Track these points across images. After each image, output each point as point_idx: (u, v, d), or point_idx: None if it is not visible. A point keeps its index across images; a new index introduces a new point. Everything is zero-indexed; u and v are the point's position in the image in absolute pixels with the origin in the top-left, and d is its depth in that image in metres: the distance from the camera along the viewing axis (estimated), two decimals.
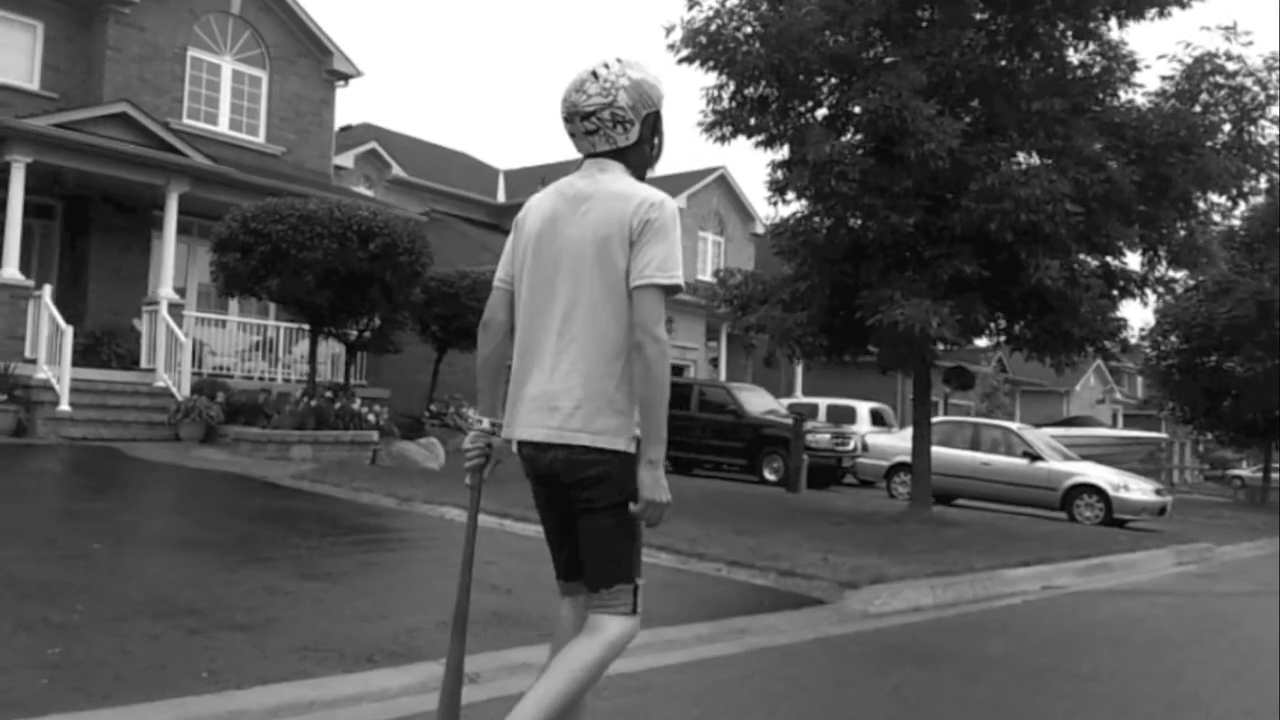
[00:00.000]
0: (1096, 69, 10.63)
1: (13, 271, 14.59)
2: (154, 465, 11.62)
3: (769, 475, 18.79)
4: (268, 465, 12.15)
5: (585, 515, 2.76)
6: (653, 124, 2.88)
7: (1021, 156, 10.31)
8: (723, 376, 29.17)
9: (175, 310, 15.96)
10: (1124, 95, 10.87)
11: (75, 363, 15.47)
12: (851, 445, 19.50)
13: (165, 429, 14.55)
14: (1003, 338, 11.69)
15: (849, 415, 22.63)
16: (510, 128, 72.44)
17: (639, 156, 2.87)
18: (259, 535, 7.80)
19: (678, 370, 26.36)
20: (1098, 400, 43.90)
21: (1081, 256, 10.14)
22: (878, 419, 22.58)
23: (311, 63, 20.53)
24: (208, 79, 18.98)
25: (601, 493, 2.71)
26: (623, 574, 2.75)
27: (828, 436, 19.44)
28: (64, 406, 13.89)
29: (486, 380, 3.01)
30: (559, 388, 2.74)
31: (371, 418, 13.67)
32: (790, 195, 10.78)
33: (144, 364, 15.87)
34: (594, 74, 2.82)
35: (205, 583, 5.84)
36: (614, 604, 2.73)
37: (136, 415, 14.77)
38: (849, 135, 10.42)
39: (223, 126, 19.20)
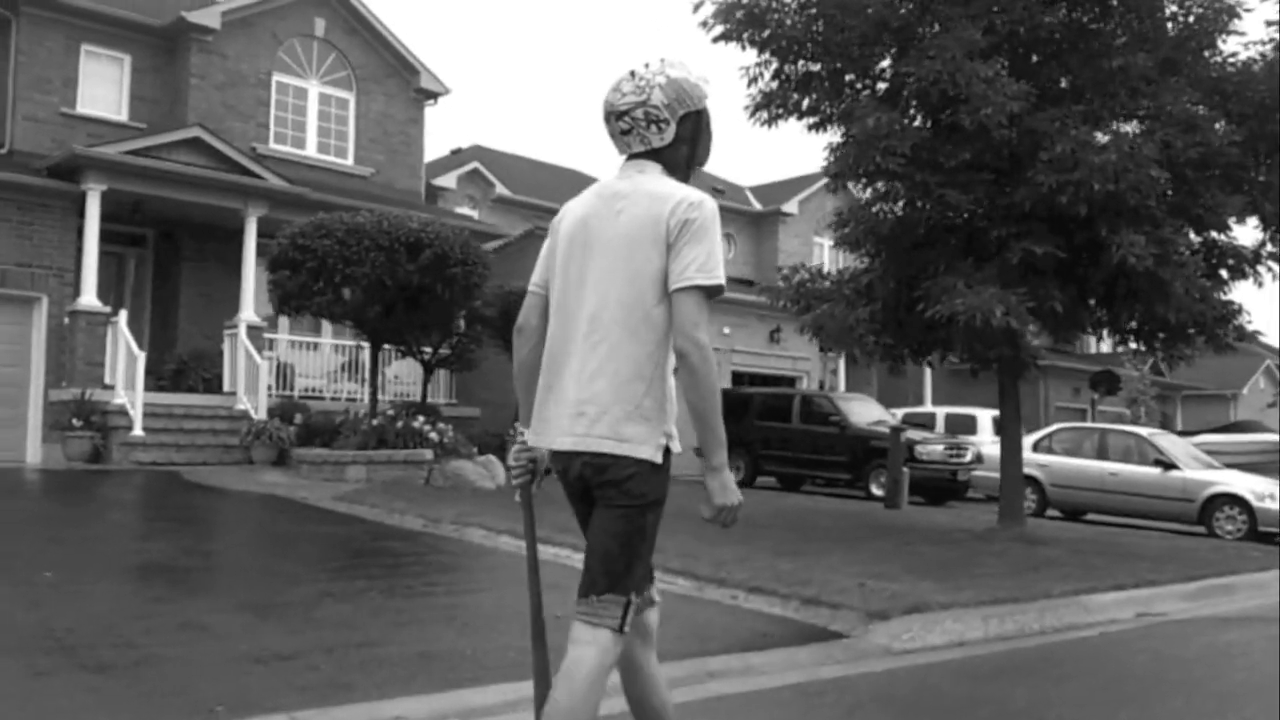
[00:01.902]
0: (1191, 18, 9.18)
1: (90, 299, 14.74)
2: (202, 489, 11.38)
3: (876, 490, 17.50)
4: (320, 487, 11.77)
5: (599, 509, 2.66)
6: (693, 124, 2.77)
7: (1103, 123, 8.93)
8: (842, 387, 27.84)
9: (255, 333, 15.92)
10: (1224, 46, 9.41)
11: (164, 388, 15.68)
12: (969, 457, 18.03)
13: (240, 452, 14.45)
14: (1101, 330, 10.27)
15: (969, 425, 21.04)
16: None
17: (676, 157, 2.76)
18: (233, 562, 7.28)
19: (789, 382, 25.21)
20: (1268, 404, 40.33)
21: (1174, 231, 8.71)
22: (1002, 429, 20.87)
23: (399, 82, 20.43)
24: (294, 103, 19.04)
25: (620, 493, 2.61)
26: (616, 583, 2.62)
27: (940, 448, 18.01)
28: (137, 431, 13.92)
29: (523, 387, 2.90)
30: (586, 393, 2.65)
31: (434, 436, 13.17)
32: (850, 182, 9.71)
33: (226, 387, 15.87)
34: (632, 73, 2.75)
35: (108, 616, 5.29)
36: (601, 615, 2.60)
37: (212, 439, 14.72)
38: (902, 108, 9.29)
39: (310, 150, 19.23)
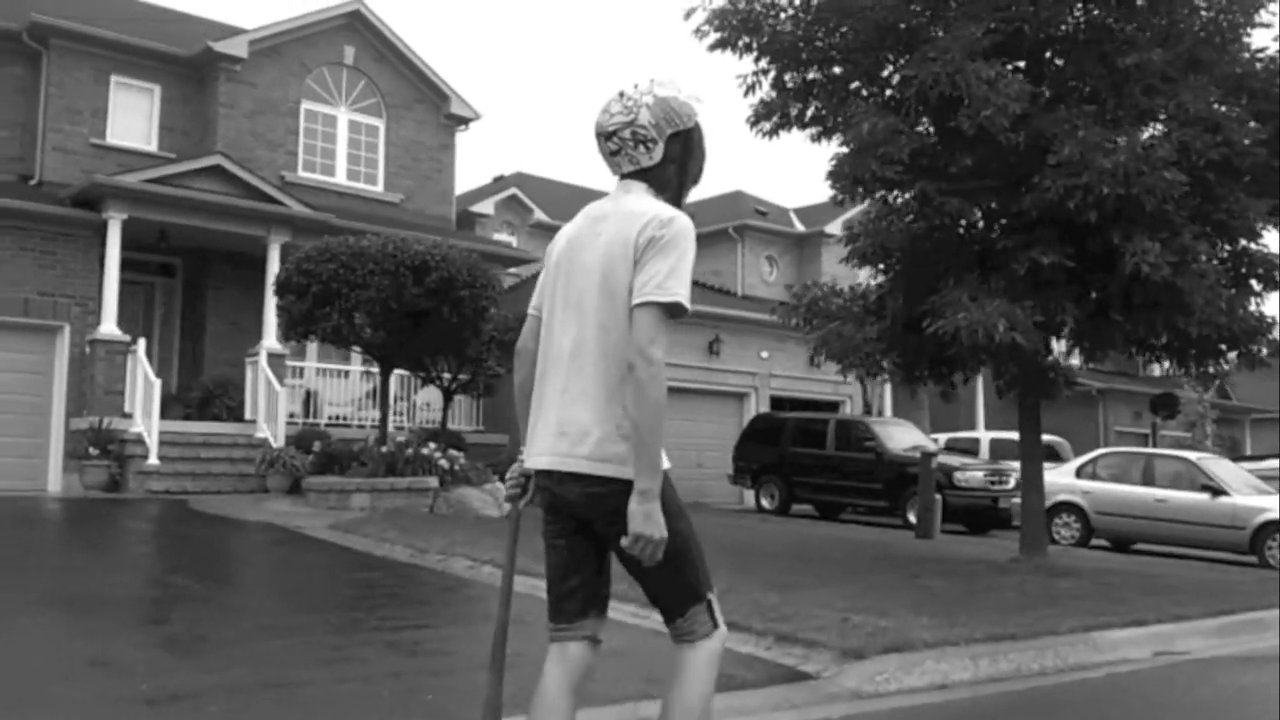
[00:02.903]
0: (1214, 11, 8.58)
1: (110, 327, 14.76)
2: (201, 518, 11.22)
3: (913, 519, 16.83)
4: (322, 515, 11.55)
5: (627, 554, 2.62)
6: (683, 143, 2.77)
7: (1116, 125, 8.35)
8: (888, 412, 27.13)
9: (277, 361, 15.84)
10: (1250, 40, 8.77)
11: (191, 416, 15.67)
12: (1011, 484, 17.28)
13: (255, 480, 14.30)
14: (1131, 348, 9.64)
15: (1015, 450, 20.21)
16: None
17: (664, 176, 2.76)
18: (188, 594, 7.01)
19: (831, 407, 24.58)
20: None
21: (1194, 238, 8.07)
22: (1050, 454, 20.05)
23: (429, 108, 20.40)
24: (323, 130, 19.06)
25: (625, 528, 2.54)
26: (689, 596, 2.69)
27: (981, 474, 17.31)
28: (152, 460, 13.85)
29: (522, 410, 2.91)
30: (568, 415, 2.66)
31: (444, 463, 12.90)
32: (847, 193, 9.22)
33: (247, 415, 15.79)
34: (620, 94, 2.78)
35: (15, 652, 5.02)
36: (694, 629, 2.68)
37: (229, 467, 14.62)
38: (904, 113, 8.82)
39: (339, 177, 19.23)
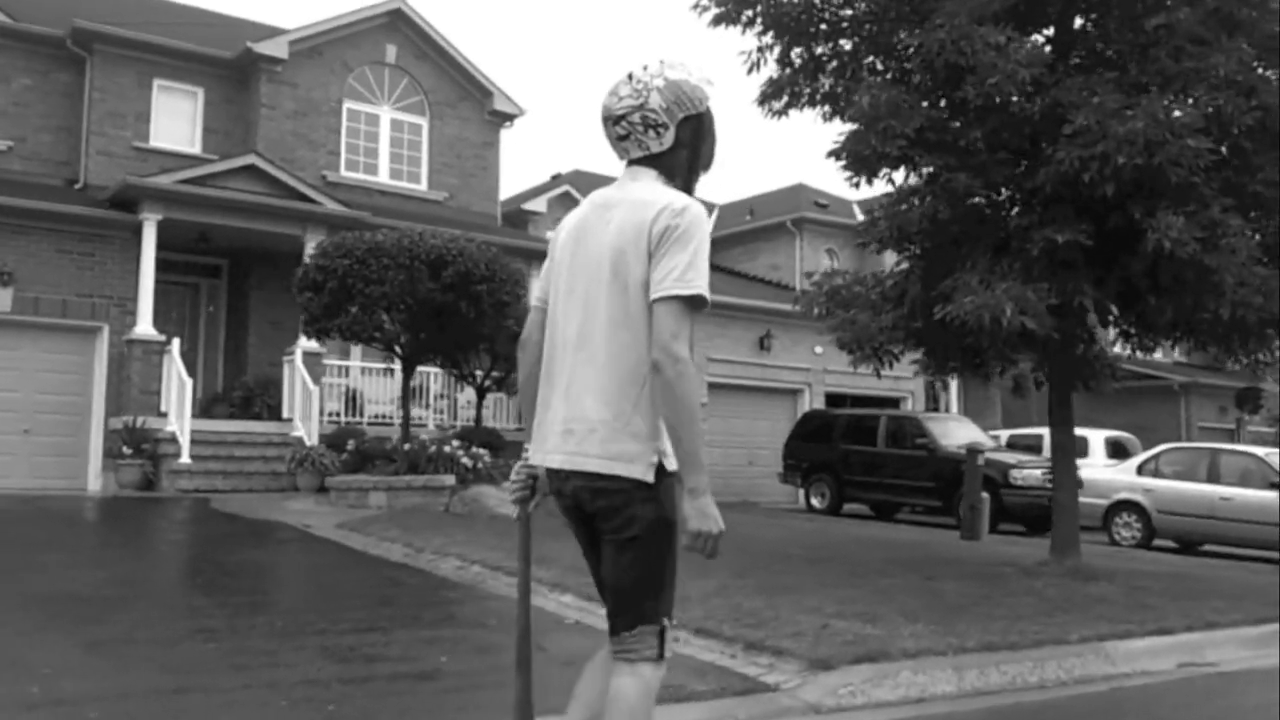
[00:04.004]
0: None
1: (145, 327, 14.86)
2: (216, 516, 11.16)
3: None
4: (338, 514, 11.40)
5: (606, 544, 2.58)
6: (694, 128, 2.66)
7: (1141, 91, 7.66)
8: (954, 408, 26.29)
9: (314, 359, 15.81)
10: None
11: (234, 415, 15.73)
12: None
13: (287, 479, 14.24)
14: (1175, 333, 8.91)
15: (1079, 447, 19.27)
16: (743, 162, 71.26)
17: (675, 162, 2.66)
18: (148, 592, 6.84)
19: (893, 403, 23.84)
20: None
21: (1224, 211, 7.35)
22: (1118, 450, 19.09)
23: (473, 105, 20.25)
24: (366, 130, 19.03)
25: (619, 524, 2.52)
26: (645, 614, 2.55)
27: (1039, 472, 16.44)
28: (184, 459, 13.88)
29: (527, 404, 2.83)
30: (574, 410, 2.57)
31: (466, 461, 12.68)
32: (850, 173, 8.67)
33: (284, 414, 15.77)
34: (629, 75, 2.67)
35: None
36: (636, 649, 2.54)
37: (263, 466, 14.59)
38: (913, 86, 8.25)
39: (383, 176, 19.18)
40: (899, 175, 8.71)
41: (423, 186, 19.57)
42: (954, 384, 26.77)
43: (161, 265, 16.00)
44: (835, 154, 8.49)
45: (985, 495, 13.82)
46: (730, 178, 71.07)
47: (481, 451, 13.06)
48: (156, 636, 5.53)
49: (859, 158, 8.22)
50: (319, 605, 6.80)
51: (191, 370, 17.01)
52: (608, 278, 2.56)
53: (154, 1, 19.98)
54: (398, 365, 13.72)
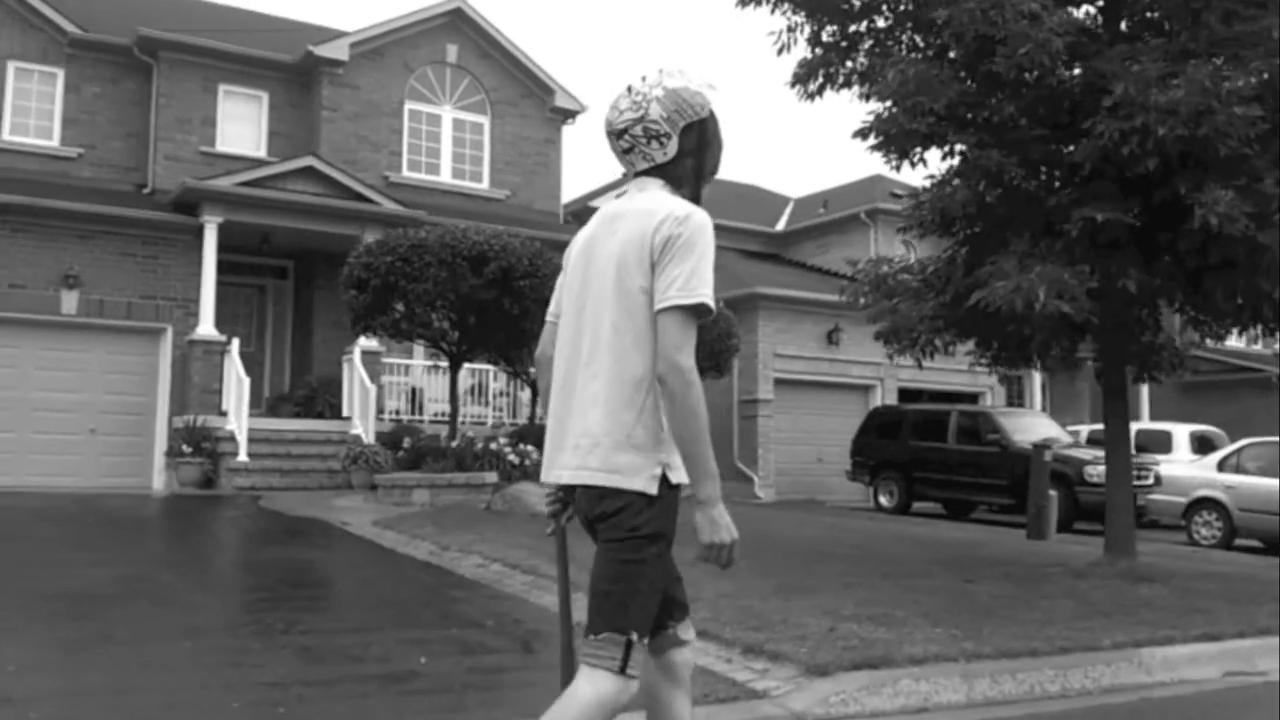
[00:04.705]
0: None
1: (207, 328, 15.10)
2: (257, 513, 11.26)
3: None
4: (384, 510, 11.41)
5: (598, 545, 2.58)
6: (697, 135, 2.65)
7: (1190, 59, 7.09)
8: (1037, 404, 25.42)
9: (372, 358, 15.91)
10: None
11: (299, 414, 15.92)
12: (1152, 479, 15.68)
13: (343, 477, 14.33)
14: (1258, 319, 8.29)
15: (1163, 442, 18.41)
16: (807, 154, 69.91)
17: (680, 171, 2.65)
18: (147, 590, 6.81)
19: (970, 398, 23.10)
20: None
21: (1276, 184, 6.74)
22: (1204, 445, 18.14)
23: (534, 103, 20.20)
24: (428, 130, 19.11)
25: (611, 527, 2.52)
26: (613, 620, 2.49)
27: None
28: (242, 457, 14.04)
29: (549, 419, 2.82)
30: (581, 425, 2.57)
31: (513, 458, 12.57)
32: (879, 153, 8.25)
33: (344, 413, 15.90)
34: (629, 88, 2.67)
35: None
36: (599, 655, 2.48)
37: (319, 464, 14.71)
38: (944, 61, 7.81)
39: (444, 176, 19.24)
40: (933, 156, 8.27)
41: (484, 185, 19.59)
42: (1038, 377, 25.87)
43: (228, 267, 16.30)
44: (862, 133, 8.11)
45: (1053, 493, 13.20)
46: (807, 171, 69.83)
47: (530, 449, 12.92)
48: (137, 634, 5.47)
49: (886, 136, 7.83)
50: (318, 603, 6.72)
51: (260, 370, 17.35)
52: (612, 289, 2.55)
53: (217, 6, 20.34)
54: (445, 362, 13.73)
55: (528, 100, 20.17)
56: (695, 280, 2.45)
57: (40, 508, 11.01)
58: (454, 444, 12.80)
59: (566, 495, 2.72)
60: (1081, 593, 7.54)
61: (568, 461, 2.60)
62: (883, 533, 12.26)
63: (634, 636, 2.49)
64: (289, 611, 6.27)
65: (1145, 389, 27.13)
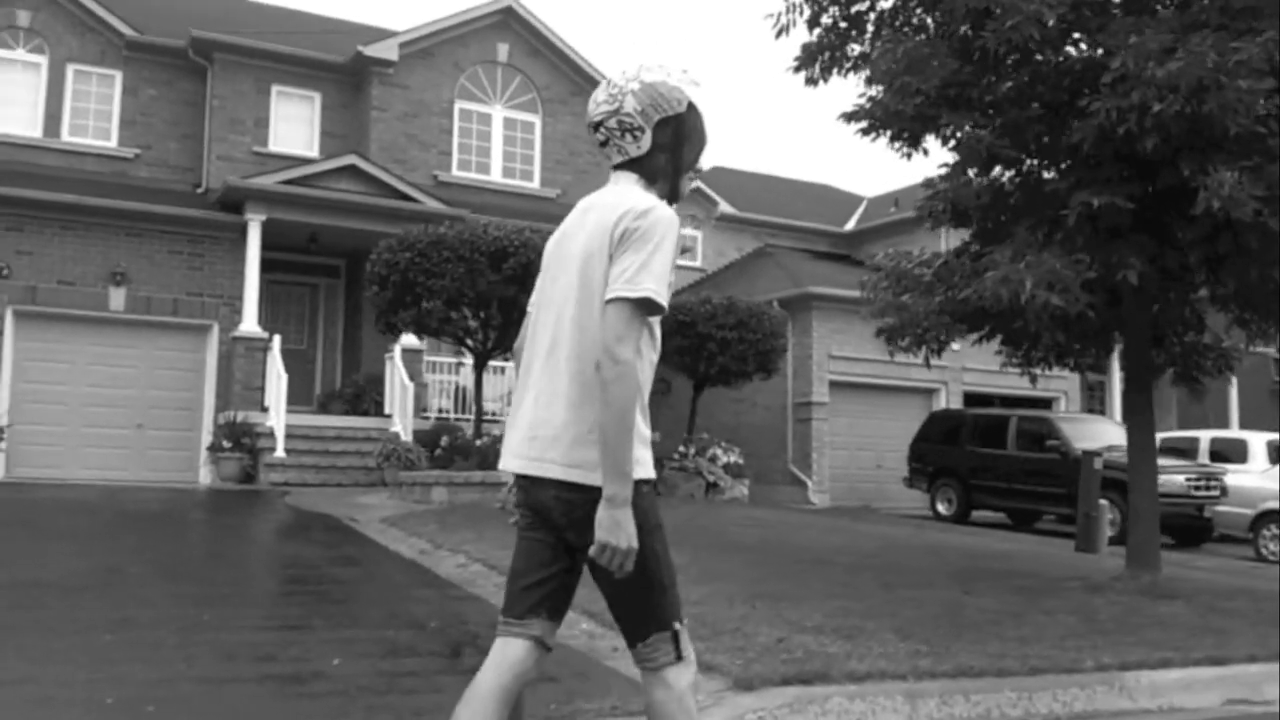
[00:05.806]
0: None
1: (250, 325, 15.26)
2: (275, 508, 11.32)
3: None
4: (399, 508, 11.38)
5: (598, 568, 2.47)
6: (673, 129, 2.65)
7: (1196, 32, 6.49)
8: (1115, 411, 24.32)
9: (413, 356, 15.93)
10: None
11: (347, 411, 16.03)
12: (1217, 491, 14.80)
13: (378, 473, 14.34)
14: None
15: (1239, 451, 17.35)
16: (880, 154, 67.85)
17: (654, 166, 2.65)
18: (108, 582, 6.76)
19: (1044, 404, 22.19)
20: None
21: None
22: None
23: (585, 101, 19.92)
24: (478, 129, 19.09)
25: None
26: (654, 622, 2.50)
27: (1181, 479, 14.85)
28: (279, 453, 14.15)
29: None
30: (541, 416, 2.55)
31: None
32: (869, 137, 7.79)
33: (386, 410, 15.93)
34: (607, 82, 2.71)
35: None
36: (655, 658, 2.49)
37: (357, 460, 14.75)
38: (939, 39, 7.34)
39: (495, 175, 19.21)
40: (931, 140, 7.79)
41: (535, 184, 19.50)
42: (1118, 382, 24.78)
43: (281, 266, 16.52)
44: (849, 116, 7.69)
45: (1104, 503, 12.48)
46: (884, 170, 68.07)
47: None
48: (76, 625, 5.40)
49: (872, 118, 7.41)
50: (269, 600, 6.60)
51: (312, 368, 17.54)
52: (575, 282, 2.55)
53: (268, 8, 20.62)
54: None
55: (579, 98, 19.98)
56: (643, 274, 2.41)
57: (69, 499, 11.19)
58: (478, 442, 12.67)
59: (517, 481, 2.63)
60: (1090, 609, 7.01)
61: (525, 451, 2.55)
62: (914, 541, 11.76)
63: (677, 625, 2.50)
64: (231, 607, 6.15)
65: (1234, 395, 25.87)
